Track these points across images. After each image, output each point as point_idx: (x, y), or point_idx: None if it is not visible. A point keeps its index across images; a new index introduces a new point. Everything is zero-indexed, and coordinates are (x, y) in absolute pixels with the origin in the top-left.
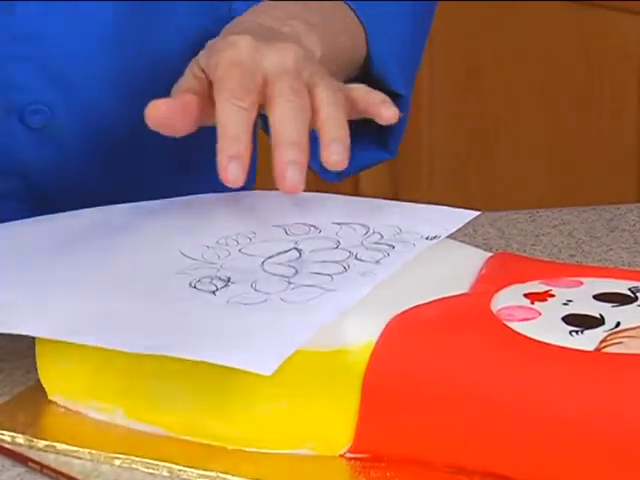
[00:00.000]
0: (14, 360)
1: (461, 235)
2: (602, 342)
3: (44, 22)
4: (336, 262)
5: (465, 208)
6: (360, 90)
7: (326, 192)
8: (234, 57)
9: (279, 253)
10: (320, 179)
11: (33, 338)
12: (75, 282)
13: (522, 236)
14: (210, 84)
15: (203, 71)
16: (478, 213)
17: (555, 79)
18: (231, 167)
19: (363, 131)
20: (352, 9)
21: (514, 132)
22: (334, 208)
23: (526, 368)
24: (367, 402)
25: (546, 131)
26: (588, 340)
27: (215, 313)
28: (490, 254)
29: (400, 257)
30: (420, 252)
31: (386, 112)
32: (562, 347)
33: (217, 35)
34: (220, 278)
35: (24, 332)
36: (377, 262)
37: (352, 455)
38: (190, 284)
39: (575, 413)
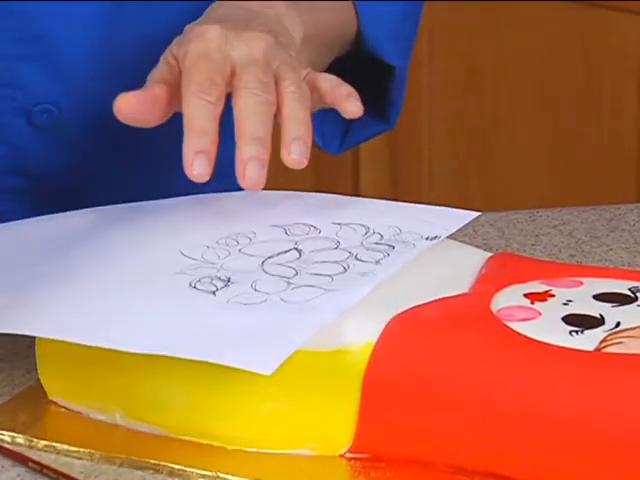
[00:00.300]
0: (14, 360)
1: (461, 235)
2: (602, 342)
3: (46, 22)
4: (336, 262)
5: (465, 208)
6: (328, 81)
7: (326, 192)
8: (202, 48)
9: (279, 253)
10: (319, 180)
11: (33, 338)
12: (75, 282)
13: (522, 236)
14: (181, 73)
15: (175, 59)
16: (478, 214)
17: (555, 79)
18: (197, 162)
19: (362, 103)
20: None
21: (514, 132)
22: (334, 208)
23: (526, 368)
24: (367, 402)
25: (546, 131)
26: (588, 340)
27: (215, 313)
28: (490, 254)
29: (400, 257)
30: (420, 252)
31: (350, 107)
32: (562, 347)
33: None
34: (220, 278)
35: (24, 332)
36: (377, 262)
37: (352, 455)
38: (190, 284)
39: (575, 413)
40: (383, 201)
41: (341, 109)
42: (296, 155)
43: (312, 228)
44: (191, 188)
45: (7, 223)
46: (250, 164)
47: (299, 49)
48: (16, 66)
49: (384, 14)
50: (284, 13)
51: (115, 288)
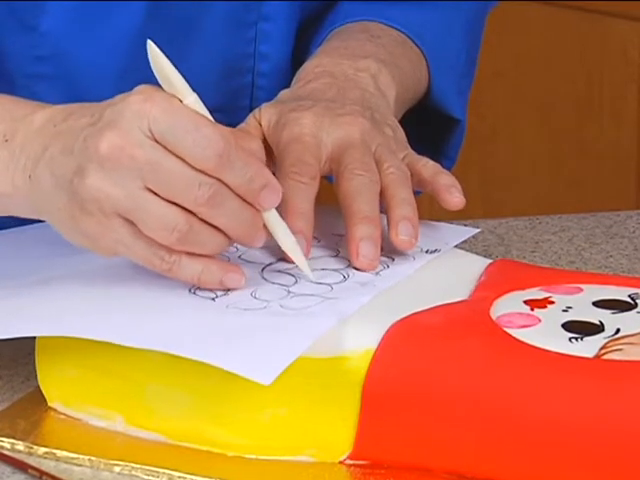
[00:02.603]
0: (14, 367)
1: (460, 242)
2: (602, 349)
3: (68, 41)
4: (335, 270)
5: (465, 215)
6: (429, 169)
7: (327, 198)
8: (295, 135)
9: (278, 260)
10: (319, 189)
11: (33, 346)
12: (75, 288)
13: (522, 243)
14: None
15: (259, 124)
16: (478, 230)
17: (555, 85)
18: (299, 241)
19: (419, 147)
20: (412, 40)
21: (514, 139)
22: (335, 220)
23: (526, 375)
24: (367, 409)
25: (546, 138)
26: (588, 347)
27: (215, 316)
28: (490, 261)
29: (400, 270)
30: (420, 266)
31: (452, 199)
32: (562, 354)
33: (244, 56)
34: None
35: (28, 334)
36: (377, 274)
37: (352, 462)
38: (190, 290)
39: (575, 420)
40: (384, 215)
41: (442, 200)
42: (404, 236)
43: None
44: None
45: (5, 231)
46: (363, 243)
47: (392, 110)
48: (35, 85)
49: (451, 69)
50: (378, 72)
51: (115, 291)
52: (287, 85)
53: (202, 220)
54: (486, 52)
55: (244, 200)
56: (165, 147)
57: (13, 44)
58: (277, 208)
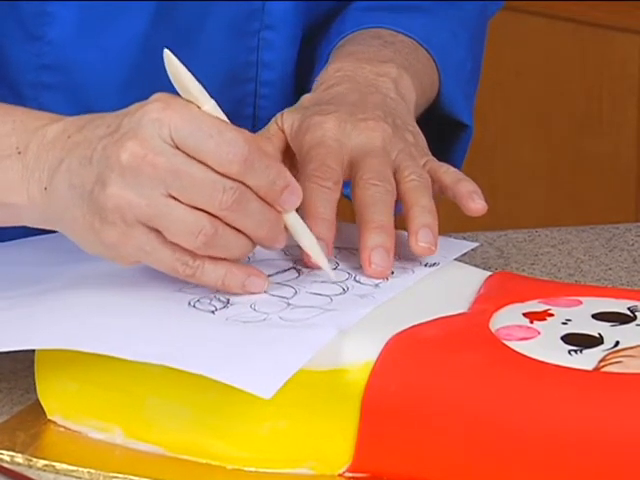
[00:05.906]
0: (13, 380)
1: (460, 255)
2: (601, 361)
3: (74, 50)
4: (335, 282)
5: (464, 227)
6: (450, 175)
7: None
8: (318, 139)
9: (278, 272)
10: None
11: (32, 358)
12: (75, 298)
13: (521, 255)
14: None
15: (282, 132)
16: (477, 244)
17: (555, 98)
18: (320, 246)
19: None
20: (423, 46)
21: (513, 151)
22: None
23: (525, 387)
24: (366, 421)
25: (545, 150)
26: (587, 359)
27: (215, 329)
28: (489, 273)
29: (399, 282)
30: (419, 278)
31: (474, 206)
32: (561, 366)
33: (247, 65)
34: (219, 299)
35: (26, 346)
36: (376, 286)
37: (351, 474)
38: (189, 303)
39: (574, 432)
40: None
41: (464, 206)
42: (424, 243)
43: None
44: None
45: (6, 242)
46: (375, 252)
47: (413, 115)
48: (41, 94)
49: (458, 75)
50: (399, 77)
51: (114, 304)
52: (291, 94)
53: (226, 224)
54: (486, 63)
55: (265, 202)
56: (187, 153)
57: (19, 53)
58: (299, 212)
